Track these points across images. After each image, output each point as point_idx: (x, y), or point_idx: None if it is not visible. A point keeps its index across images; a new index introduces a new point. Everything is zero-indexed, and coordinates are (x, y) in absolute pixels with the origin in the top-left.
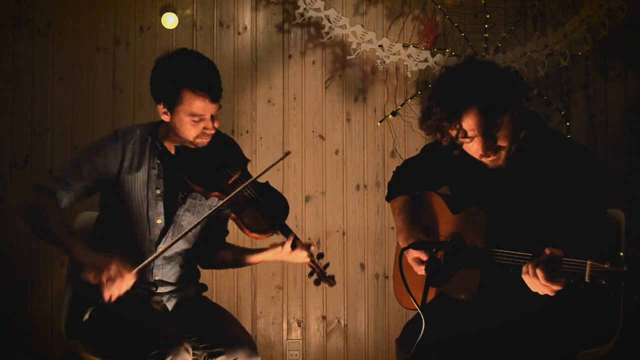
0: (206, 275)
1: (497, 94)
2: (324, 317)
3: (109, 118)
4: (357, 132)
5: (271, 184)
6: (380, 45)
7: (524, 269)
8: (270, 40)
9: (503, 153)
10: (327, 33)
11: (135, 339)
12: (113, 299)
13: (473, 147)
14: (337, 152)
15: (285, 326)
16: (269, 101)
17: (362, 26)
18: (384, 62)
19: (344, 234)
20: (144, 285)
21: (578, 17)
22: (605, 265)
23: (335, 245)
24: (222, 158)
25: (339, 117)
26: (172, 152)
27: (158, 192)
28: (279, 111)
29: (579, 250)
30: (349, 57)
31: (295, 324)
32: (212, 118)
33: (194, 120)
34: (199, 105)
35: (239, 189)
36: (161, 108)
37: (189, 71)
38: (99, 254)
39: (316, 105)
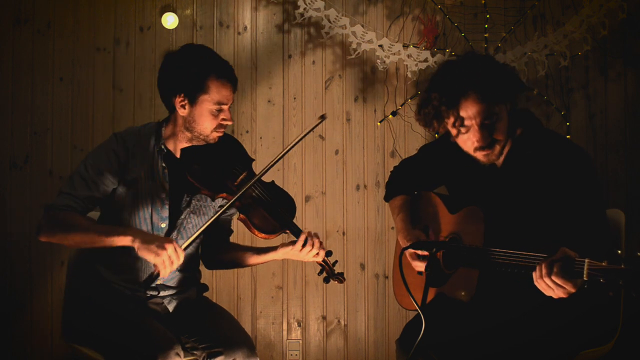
0: (206, 275)
1: (496, 82)
2: (324, 317)
3: (109, 118)
4: (357, 132)
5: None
6: (380, 45)
7: (537, 270)
8: (270, 40)
9: (498, 148)
10: (327, 33)
11: (128, 341)
12: (167, 275)
13: (469, 140)
14: (337, 152)
15: (285, 326)
16: (269, 101)
17: (362, 26)
18: (384, 62)
19: (344, 234)
20: (145, 289)
21: (578, 17)
22: (603, 264)
23: (335, 245)
24: (228, 159)
25: (339, 117)
26: (176, 153)
27: (163, 195)
28: (279, 111)
29: (578, 247)
30: (349, 57)
31: (295, 324)
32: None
33: (217, 110)
34: (225, 93)
35: (245, 187)
36: (180, 100)
37: (213, 61)
38: (151, 234)
39: (316, 105)
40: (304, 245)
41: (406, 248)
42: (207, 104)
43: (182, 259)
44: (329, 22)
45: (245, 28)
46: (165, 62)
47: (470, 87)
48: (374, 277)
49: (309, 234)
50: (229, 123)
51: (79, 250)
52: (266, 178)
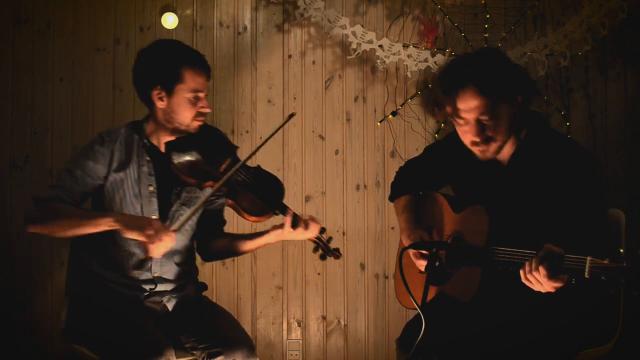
0: (206, 275)
1: (499, 80)
2: (324, 317)
3: (109, 118)
4: (357, 132)
5: None
6: (380, 45)
7: (526, 266)
8: (270, 40)
9: (494, 145)
10: (327, 33)
11: (122, 344)
12: (160, 255)
13: (466, 133)
14: (337, 152)
15: (285, 326)
16: (269, 101)
17: (362, 26)
18: (384, 62)
19: (344, 234)
20: (143, 284)
21: (578, 17)
22: (605, 261)
23: (336, 245)
24: (211, 148)
25: (339, 117)
26: (160, 147)
27: (151, 188)
28: (279, 111)
29: (579, 247)
30: (349, 57)
31: (295, 324)
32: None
33: (194, 98)
34: (200, 80)
35: (230, 172)
36: (157, 93)
37: (185, 51)
38: (134, 215)
39: (316, 105)
40: (294, 226)
41: (407, 248)
42: (183, 92)
43: (173, 239)
44: (329, 22)
45: (245, 28)
46: (139, 58)
47: (471, 79)
48: (374, 277)
49: (296, 215)
50: (208, 110)
51: (77, 250)
52: (254, 163)
